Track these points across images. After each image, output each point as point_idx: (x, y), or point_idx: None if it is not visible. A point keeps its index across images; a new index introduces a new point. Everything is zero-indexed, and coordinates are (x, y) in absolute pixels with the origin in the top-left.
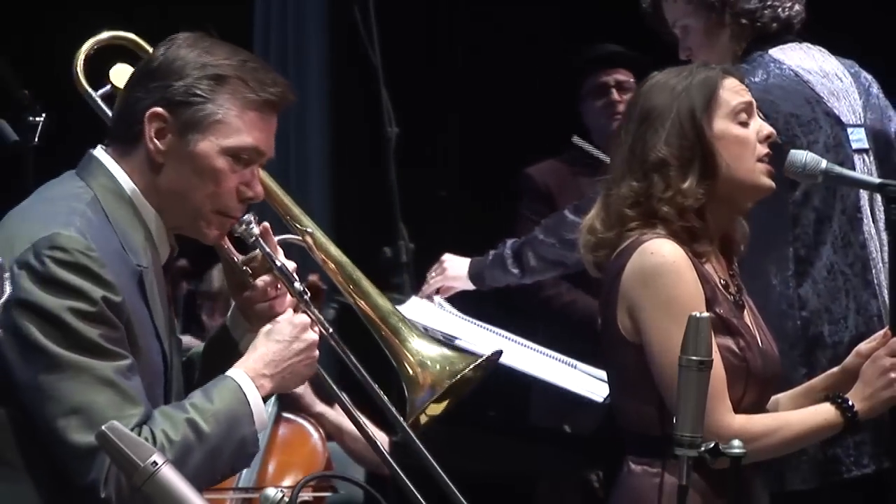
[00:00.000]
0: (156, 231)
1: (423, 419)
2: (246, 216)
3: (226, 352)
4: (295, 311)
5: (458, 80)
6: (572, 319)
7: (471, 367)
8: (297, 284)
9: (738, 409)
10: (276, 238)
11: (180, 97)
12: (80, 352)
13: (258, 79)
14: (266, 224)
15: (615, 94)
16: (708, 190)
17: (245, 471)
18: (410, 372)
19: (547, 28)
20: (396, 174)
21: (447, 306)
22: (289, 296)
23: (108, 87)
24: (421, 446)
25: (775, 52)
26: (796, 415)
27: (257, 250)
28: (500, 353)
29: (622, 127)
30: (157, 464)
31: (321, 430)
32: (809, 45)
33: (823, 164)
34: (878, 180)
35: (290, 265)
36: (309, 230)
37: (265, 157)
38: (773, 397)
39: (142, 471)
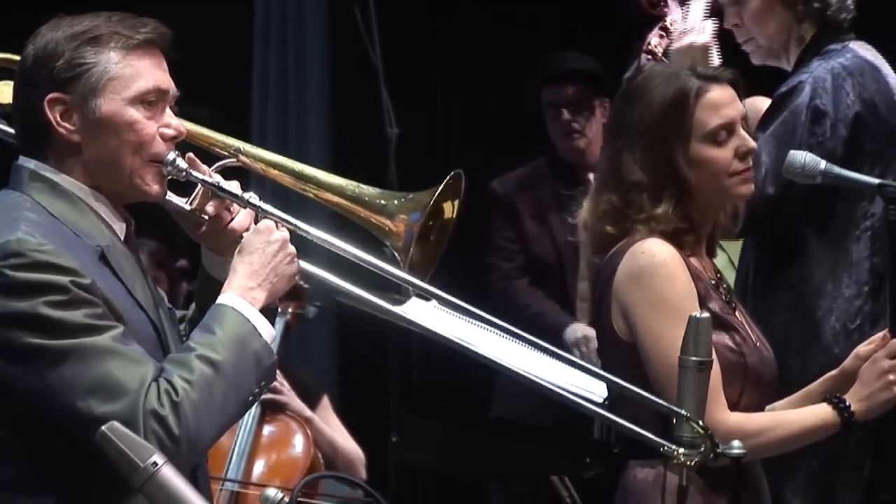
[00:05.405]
0: (103, 210)
1: (423, 264)
2: (168, 155)
3: (215, 293)
4: (256, 221)
5: (458, 80)
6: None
7: (436, 195)
8: (245, 196)
9: (735, 411)
10: (212, 167)
11: (67, 73)
12: (73, 336)
13: (129, 25)
14: (190, 154)
15: (566, 114)
16: (683, 211)
17: (233, 470)
18: (385, 228)
19: (548, 28)
20: (396, 174)
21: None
22: (244, 212)
23: None
24: (430, 288)
25: (856, 46)
26: (793, 414)
27: (198, 186)
28: (459, 174)
29: (609, 127)
30: (157, 464)
31: (308, 430)
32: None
33: (822, 164)
34: (876, 181)
35: (232, 183)
36: (237, 148)
37: (169, 93)
38: (771, 405)
39: (142, 471)
